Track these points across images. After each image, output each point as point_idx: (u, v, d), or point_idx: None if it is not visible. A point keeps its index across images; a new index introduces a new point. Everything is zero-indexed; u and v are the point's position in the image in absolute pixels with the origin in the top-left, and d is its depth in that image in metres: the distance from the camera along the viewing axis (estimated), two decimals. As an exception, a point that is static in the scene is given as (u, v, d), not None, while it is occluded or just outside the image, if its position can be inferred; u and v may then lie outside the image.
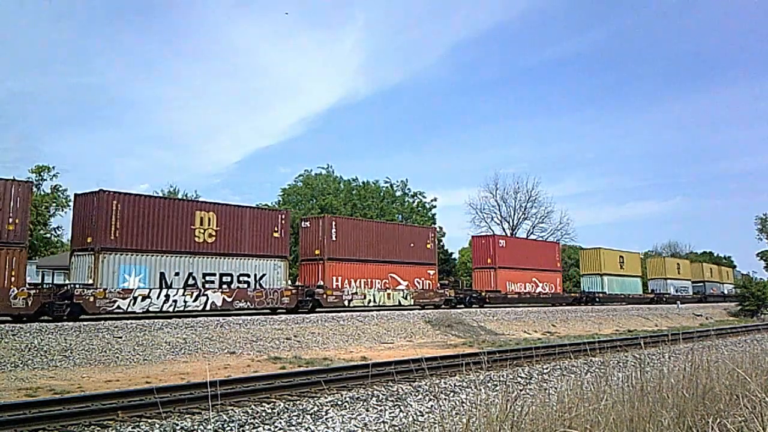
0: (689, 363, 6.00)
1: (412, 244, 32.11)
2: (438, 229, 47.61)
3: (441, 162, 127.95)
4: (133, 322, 18.57)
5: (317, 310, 26.27)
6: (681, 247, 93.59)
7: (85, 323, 18.00)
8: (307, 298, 26.16)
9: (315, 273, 27.69)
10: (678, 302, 49.13)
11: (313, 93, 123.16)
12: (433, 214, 56.59)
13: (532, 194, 62.69)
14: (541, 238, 57.66)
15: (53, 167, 49.05)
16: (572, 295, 45.45)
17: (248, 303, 23.84)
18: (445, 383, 11.16)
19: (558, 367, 13.70)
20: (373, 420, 8.42)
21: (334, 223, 28.39)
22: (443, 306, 32.39)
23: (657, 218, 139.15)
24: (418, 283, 31.99)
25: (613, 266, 48.61)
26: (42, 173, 49.27)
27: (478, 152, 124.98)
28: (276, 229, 25.54)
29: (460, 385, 11.03)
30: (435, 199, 57.36)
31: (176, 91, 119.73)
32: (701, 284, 62.80)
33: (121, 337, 16.67)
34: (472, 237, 44.35)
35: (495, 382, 11.14)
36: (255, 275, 24.46)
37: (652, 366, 8.17)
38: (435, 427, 4.87)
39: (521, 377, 12.23)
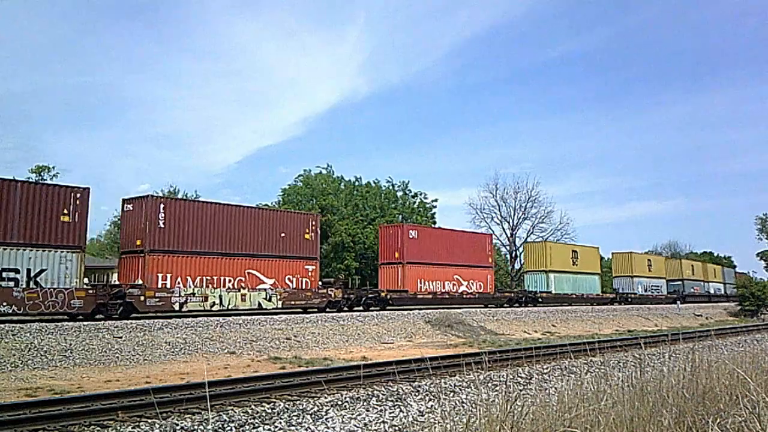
0: (689, 363, 6.01)
1: (283, 234, 26.49)
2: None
3: (442, 162, 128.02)
4: (133, 323, 18.58)
5: (133, 316, 21.00)
6: (681, 247, 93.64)
7: (85, 323, 18.01)
8: (117, 300, 20.70)
9: (137, 269, 22.28)
10: (678, 302, 49.08)
11: (313, 93, 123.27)
12: (433, 214, 56.58)
13: (532, 194, 62.61)
14: (470, 230, 46.16)
15: (53, 167, 49.08)
16: (505, 294, 39.87)
17: (14, 307, 18.16)
18: (445, 383, 11.16)
19: (558, 367, 13.70)
20: (374, 420, 8.42)
21: (162, 206, 22.80)
22: (328, 309, 27.41)
23: (657, 218, 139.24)
24: (290, 281, 26.45)
25: (562, 262, 43.44)
26: (42, 173, 49.31)
27: (478, 152, 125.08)
28: (66, 211, 19.95)
29: (460, 385, 11.02)
30: (435, 200, 57.36)
31: (177, 90, 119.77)
32: (679, 283, 57.94)
33: (121, 337, 16.68)
34: (380, 227, 38.63)
35: (495, 382, 11.14)
36: (29, 270, 18.83)
37: (652, 366, 8.18)
38: (435, 427, 4.86)
39: (521, 377, 12.22)
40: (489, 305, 36.55)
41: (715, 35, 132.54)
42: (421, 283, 32.72)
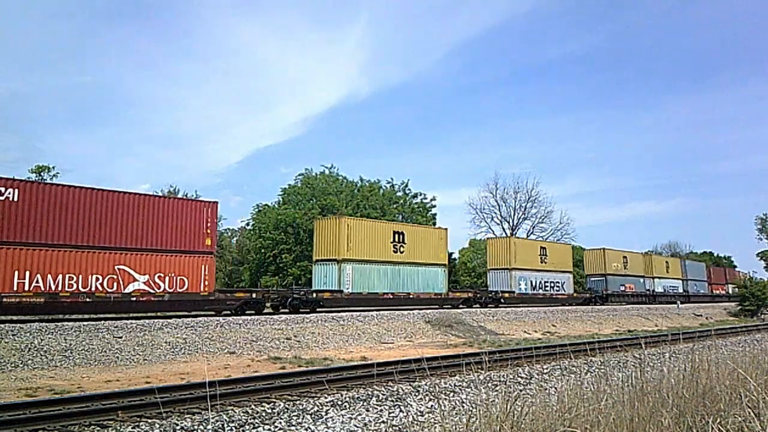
0: (689, 363, 6.01)
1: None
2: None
3: (442, 161, 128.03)
4: (133, 322, 18.59)
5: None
6: (681, 247, 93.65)
7: (85, 323, 18.01)
8: None
9: None
10: (678, 302, 49.03)
11: (315, 92, 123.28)
12: (434, 214, 56.55)
13: (532, 194, 62.65)
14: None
15: (53, 167, 49.10)
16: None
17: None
18: (445, 383, 11.16)
19: (558, 367, 13.70)
20: (374, 420, 8.42)
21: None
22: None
23: (657, 218, 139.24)
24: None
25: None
26: (42, 173, 49.35)
27: (479, 152, 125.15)
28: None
29: (460, 385, 11.02)
30: (434, 199, 57.33)
31: (177, 90, 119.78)
32: (600, 279, 49.11)
33: (121, 337, 16.68)
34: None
35: (495, 382, 11.14)
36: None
37: (652, 366, 8.18)
38: (435, 427, 4.87)
39: (521, 377, 12.22)
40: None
41: (715, 35, 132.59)
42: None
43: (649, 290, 52.45)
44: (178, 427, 7.59)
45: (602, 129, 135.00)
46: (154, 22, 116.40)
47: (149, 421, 7.94)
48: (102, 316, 21.59)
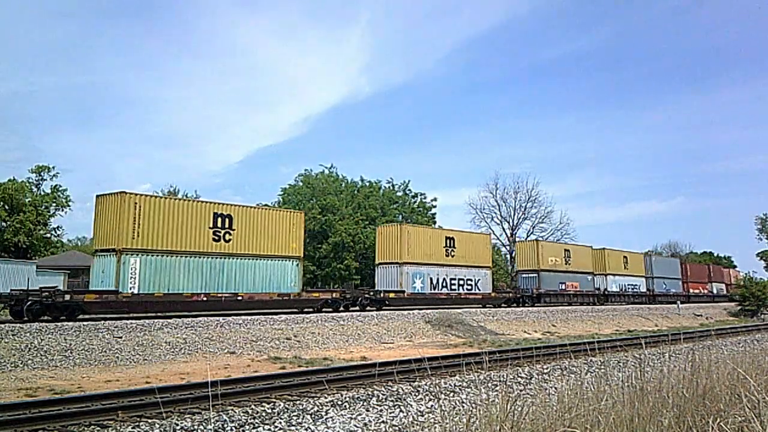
0: (689, 363, 6.01)
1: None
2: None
3: (443, 161, 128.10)
4: (133, 322, 18.58)
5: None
6: (681, 247, 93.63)
7: (85, 323, 18.01)
8: None
9: None
10: (678, 302, 49.01)
11: (316, 92, 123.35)
12: (433, 214, 56.57)
13: (532, 194, 62.54)
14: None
15: (53, 167, 49.05)
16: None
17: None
18: (445, 383, 11.16)
19: (558, 367, 13.69)
20: (373, 420, 8.41)
21: None
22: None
23: (658, 218, 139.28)
24: None
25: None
26: (42, 173, 49.33)
27: (479, 152, 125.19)
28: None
29: (460, 385, 11.02)
30: (435, 199, 57.35)
31: (178, 90, 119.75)
32: (533, 275, 41.10)
33: (121, 337, 16.67)
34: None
35: (495, 382, 11.14)
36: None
37: (652, 366, 8.17)
38: (435, 427, 4.87)
39: (521, 377, 12.22)
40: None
41: (715, 35, 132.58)
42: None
43: (598, 289, 45.59)
44: (178, 427, 7.59)
45: (603, 129, 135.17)
46: (155, 22, 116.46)
47: (149, 421, 7.94)
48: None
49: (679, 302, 48.92)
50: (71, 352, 14.91)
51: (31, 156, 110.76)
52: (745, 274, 64.52)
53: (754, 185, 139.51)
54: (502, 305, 36.68)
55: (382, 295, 30.19)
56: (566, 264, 42.94)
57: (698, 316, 43.52)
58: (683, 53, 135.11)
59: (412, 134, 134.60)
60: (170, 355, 16.06)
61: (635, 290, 50.20)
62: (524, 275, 41.08)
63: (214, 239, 23.67)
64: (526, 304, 38.41)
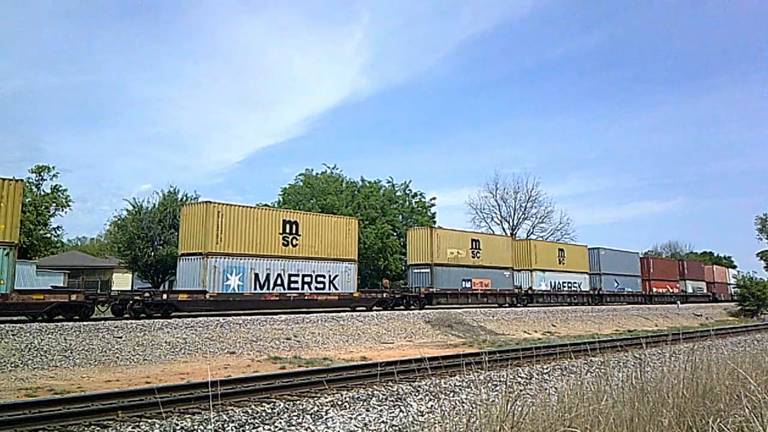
0: (689, 363, 6.01)
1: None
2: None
3: (443, 161, 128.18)
4: (133, 322, 18.58)
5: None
6: (681, 247, 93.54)
7: (85, 323, 18.01)
8: None
9: None
10: (678, 302, 49.04)
11: (316, 92, 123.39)
12: (433, 214, 56.55)
13: (532, 194, 62.50)
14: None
15: (53, 167, 49.03)
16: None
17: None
18: (445, 383, 11.16)
19: (558, 367, 13.70)
20: (374, 420, 8.42)
21: None
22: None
23: (658, 218, 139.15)
24: None
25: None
26: (42, 173, 49.34)
27: (479, 152, 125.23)
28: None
29: (460, 385, 11.02)
30: (434, 198, 57.32)
31: (179, 90, 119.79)
32: (426, 270, 32.57)
33: (121, 337, 16.67)
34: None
35: (495, 382, 11.14)
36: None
37: (652, 366, 8.18)
38: (435, 427, 4.86)
39: (521, 377, 12.22)
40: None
41: (716, 35, 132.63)
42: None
43: (519, 287, 38.25)
44: (178, 427, 7.59)
45: (603, 129, 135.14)
46: (156, 22, 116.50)
47: (149, 421, 7.94)
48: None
49: (678, 302, 48.95)
50: (71, 352, 14.91)
51: (32, 156, 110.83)
52: (739, 272, 63.62)
53: (754, 185, 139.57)
54: (367, 309, 29.02)
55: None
56: (474, 257, 35.27)
57: (698, 316, 43.56)
58: (683, 53, 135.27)
59: (412, 134, 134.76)
60: (170, 355, 16.06)
61: (573, 289, 42.38)
62: (416, 270, 33.71)
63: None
64: (412, 307, 31.09)
